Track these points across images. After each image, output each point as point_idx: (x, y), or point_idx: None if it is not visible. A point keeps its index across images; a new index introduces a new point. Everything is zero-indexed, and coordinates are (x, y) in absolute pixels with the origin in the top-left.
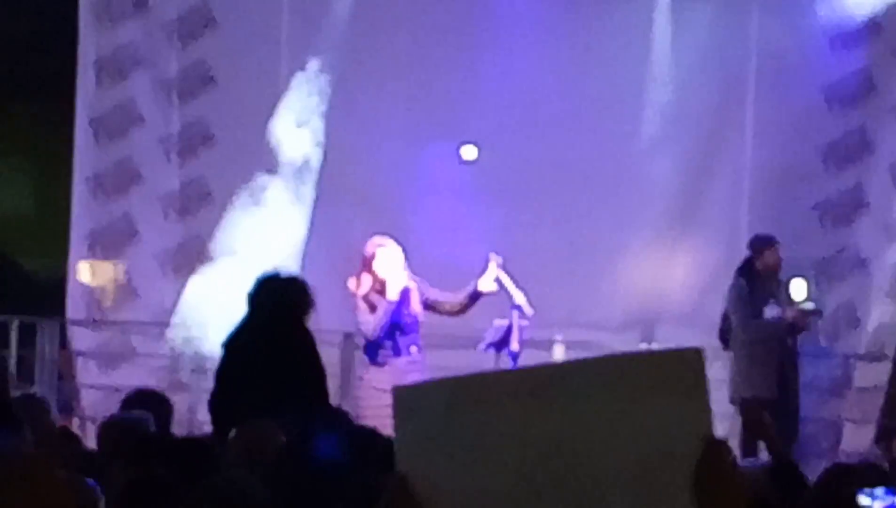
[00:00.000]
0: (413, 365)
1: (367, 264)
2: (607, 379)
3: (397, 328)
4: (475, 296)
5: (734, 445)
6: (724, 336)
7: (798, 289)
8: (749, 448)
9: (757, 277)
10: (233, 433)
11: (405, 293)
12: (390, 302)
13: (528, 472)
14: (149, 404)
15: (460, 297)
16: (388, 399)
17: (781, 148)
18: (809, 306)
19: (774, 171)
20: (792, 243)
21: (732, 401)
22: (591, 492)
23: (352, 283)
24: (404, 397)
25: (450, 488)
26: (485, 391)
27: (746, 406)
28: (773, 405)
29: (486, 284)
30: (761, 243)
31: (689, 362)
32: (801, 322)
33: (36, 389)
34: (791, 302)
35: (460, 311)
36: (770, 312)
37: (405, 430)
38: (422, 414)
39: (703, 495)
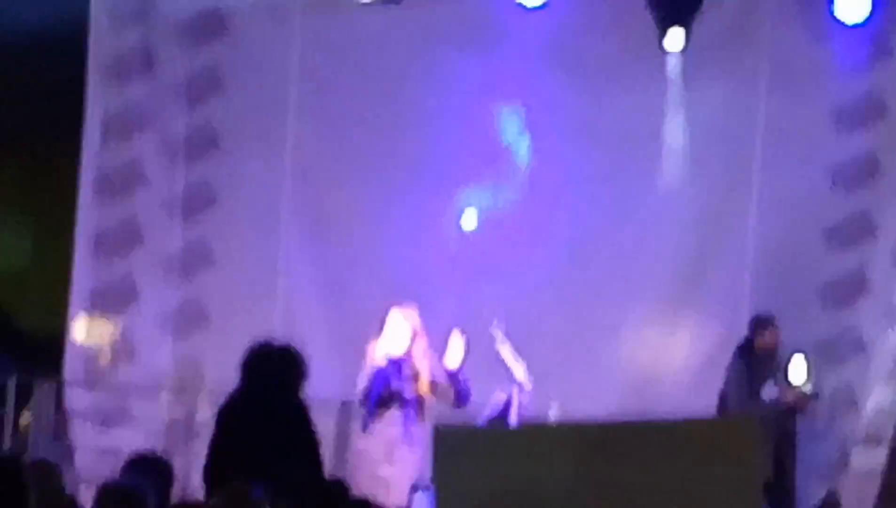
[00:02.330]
0: (408, 437)
1: (381, 327)
2: (661, 442)
3: (394, 397)
4: (453, 376)
5: None
6: (722, 415)
7: (797, 370)
8: None
9: (755, 357)
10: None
11: (397, 363)
12: (374, 367)
13: None
14: (150, 468)
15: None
16: (382, 470)
17: (785, 227)
18: (808, 388)
19: (778, 249)
20: (793, 323)
21: None
22: None
23: (369, 346)
24: (446, 438)
25: None
26: (535, 444)
27: None
28: (769, 487)
29: (450, 360)
30: (761, 324)
31: (742, 430)
32: (799, 404)
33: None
34: (789, 384)
35: (455, 400)
36: (768, 393)
37: (445, 472)
38: (464, 458)
39: None
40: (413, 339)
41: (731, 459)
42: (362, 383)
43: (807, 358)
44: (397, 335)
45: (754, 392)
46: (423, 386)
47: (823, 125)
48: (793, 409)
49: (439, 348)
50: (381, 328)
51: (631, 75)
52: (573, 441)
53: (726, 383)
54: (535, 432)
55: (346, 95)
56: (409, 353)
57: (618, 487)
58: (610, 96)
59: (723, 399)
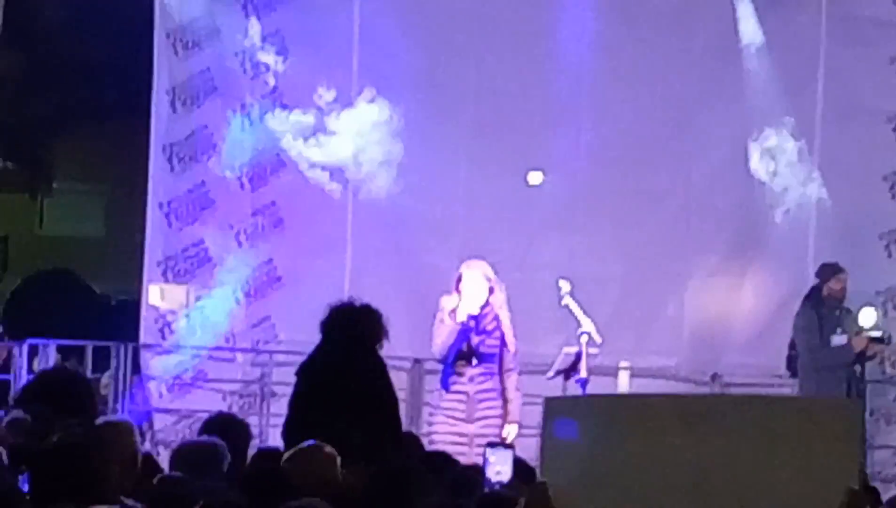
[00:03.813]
0: (486, 394)
1: (456, 283)
2: (765, 418)
3: (472, 354)
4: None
5: None
6: (792, 364)
7: (867, 317)
8: None
9: (823, 305)
10: (286, 456)
11: (478, 319)
12: (456, 324)
13: (674, 497)
14: (227, 429)
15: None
16: (460, 427)
17: (848, 177)
18: (877, 333)
19: (840, 199)
20: (858, 272)
21: None
22: None
23: (443, 299)
24: (556, 408)
25: (591, 501)
26: (641, 414)
27: None
28: None
29: (463, 309)
30: (828, 272)
31: (845, 411)
32: (868, 350)
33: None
34: (859, 329)
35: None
36: (837, 340)
37: (553, 441)
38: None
39: None
40: (490, 292)
41: (833, 438)
42: (440, 339)
43: (876, 305)
44: (475, 290)
45: (823, 340)
46: (508, 339)
47: (885, 72)
48: (862, 353)
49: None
50: (452, 285)
51: (698, 30)
52: (679, 412)
53: (795, 330)
54: (641, 402)
55: (408, 56)
56: (488, 307)
57: (722, 459)
58: (677, 51)
59: (792, 347)
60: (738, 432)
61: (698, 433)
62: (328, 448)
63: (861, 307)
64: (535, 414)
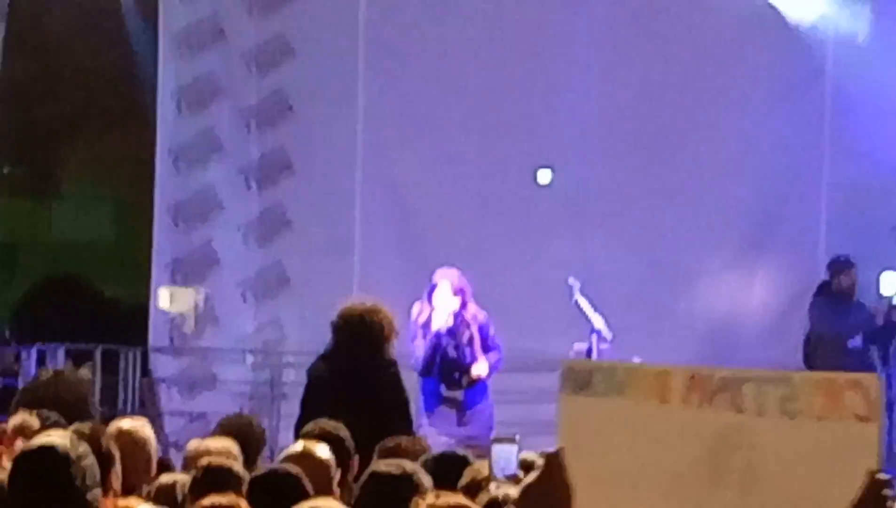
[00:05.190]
0: (476, 397)
1: (428, 293)
2: (785, 397)
3: (454, 364)
4: (435, 339)
5: None
6: (809, 360)
7: (889, 283)
8: None
9: (834, 299)
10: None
11: (453, 331)
12: (433, 334)
13: (690, 467)
14: (241, 431)
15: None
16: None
17: (859, 167)
18: None
19: (852, 190)
20: (870, 263)
21: None
22: (748, 498)
23: (414, 309)
24: (574, 372)
25: (605, 468)
26: (658, 381)
27: None
28: None
29: (477, 369)
30: (837, 266)
31: (865, 387)
32: (893, 315)
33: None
34: (880, 297)
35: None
36: (853, 343)
37: (570, 406)
38: (589, 399)
39: None
40: (463, 305)
41: (854, 415)
42: (419, 352)
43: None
44: (443, 303)
45: (839, 336)
46: (480, 359)
47: (893, 63)
48: (892, 323)
49: (519, 300)
50: (428, 294)
51: (708, 25)
52: (696, 382)
53: (811, 322)
54: (659, 370)
55: (415, 54)
56: (461, 319)
57: (738, 431)
58: (686, 46)
59: (808, 342)
60: (756, 408)
61: (720, 404)
62: (322, 452)
63: (881, 272)
64: (548, 412)
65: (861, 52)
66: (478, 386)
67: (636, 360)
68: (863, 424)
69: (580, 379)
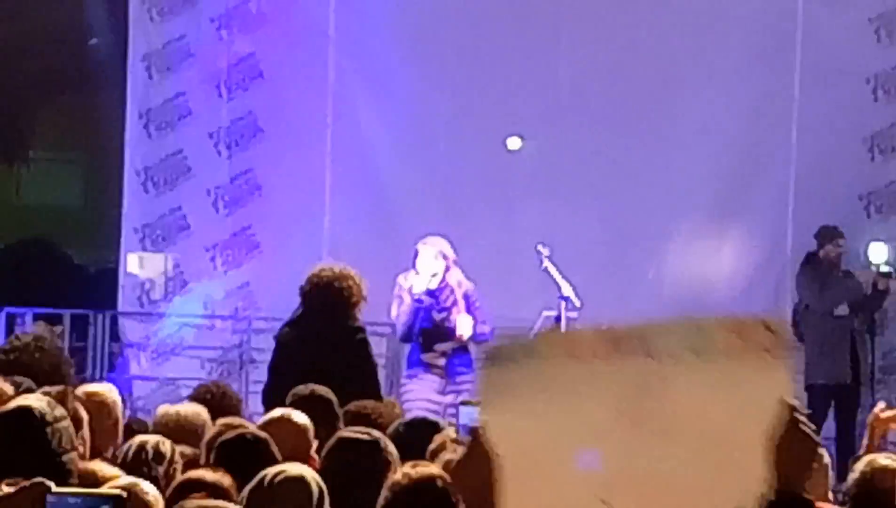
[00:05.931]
0: (459, 368)
1: (413, 260)
2: (694, 340)
3: (438, 332)
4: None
5: None
6: (798, 329)
7: (878, 252)
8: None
9: (822, 268)
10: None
11: (436, 295)
12: (413, 300)
13: (609, 418)
14: (216, 398)
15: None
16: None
17: (827, 138)
18: (887, 268)
19: (820, 161)
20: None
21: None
22: (669, 447)
23: (400, 277)
24: (490, 352)
25: (527, 438)
26: (573, 344)
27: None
28: (844, 389)
29: (460, 327)
30: (826, 237)
31: (775, 329)
32: (879, 284)
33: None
34: (869, 265)
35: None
36: (841, 310)
37: (489, 383)
38: (506, 369)
39: (775, 454)
40: (447, 269)
41: (761, 357)
42: (402, 318)
43: (886, 241)
44: (427, 267)
45: (826, 305)
46: (463, 314)
47: (863, 34)
48: (876, 291)
49: (488, 267)
50: (413, 261)
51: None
52: (608, 338)
53: (798, 292)
54: (574, 334)
55: (385, 22)
56: (444, 283)
57: (649, 380)
58: (649, 11)
59: (796, 313)
60: (666, 353)
61: (632, 358)
62: (300, 418)
63: (870, 242)
64: None
65: (832, 19)
66: (464, 356)
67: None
68: (773, 359)
69: (497, 352)
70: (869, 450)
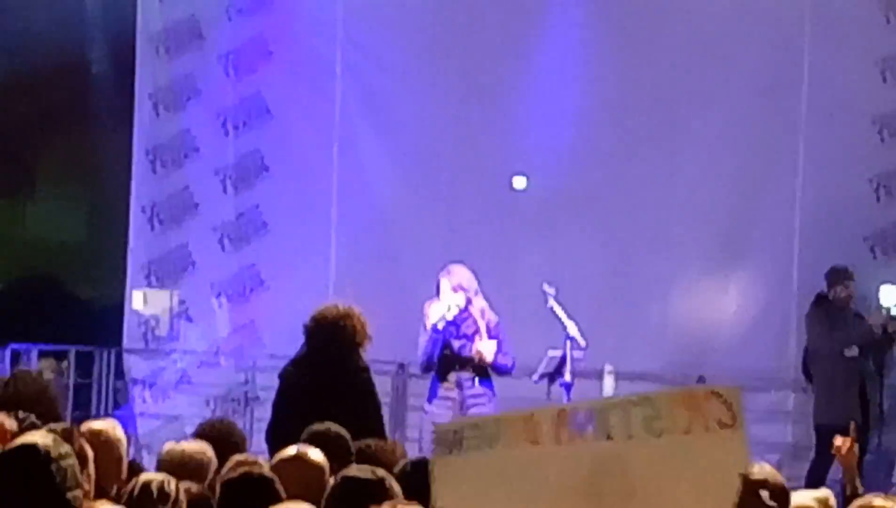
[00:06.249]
0: (475, 399)
1: (437, 290)
2: (648, 417)
3: (458, 358)
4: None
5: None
6: (808, 370)
7: (889, 295)
8: (818, 475)
9: (832, 310)
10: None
11: (457, 324)
12: (432, 330)
13: (569, 501)
14: (221, 435)
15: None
16: None
17: (832, 179)
18: None
19: (825, 202)
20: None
21: (816, 429)
22: None
23: (426, 306)
24: (445, 433)
25: None
26: (532, 431)
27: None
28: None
29: (482, 346)
30: (835, 277)
31: (727, 399)
32: (890, 326)
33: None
34: (880, 309)
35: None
36: (850, 353)
37: (444, 466)
38: (464, 458)
39: None
40: (469, 299)
41: (716, 428)
42: (420, 347)
43: None
44: (446, 298)
45: (836, 346)
46: (485, 344)
47: (869, 74)
48: (886, 335)
49: (493, 306)
50: (437, 291)
51: (682, 32)
52: (560, 421)
53: (808, 334)
54: (522, 417)
55: (390, 61)
56: (467, 313)
57: (611, 460)
58: (651, 49)
59: (806, 353)
60: (624, 430)
61: (585, 435)
62: (316, 455)
63: (880, 285)
64: None
65: (838, 60)
66: (482, 382)
67: (608, 367)
68: (728, 431)
69: (452, 439)
70: (851, 485)
